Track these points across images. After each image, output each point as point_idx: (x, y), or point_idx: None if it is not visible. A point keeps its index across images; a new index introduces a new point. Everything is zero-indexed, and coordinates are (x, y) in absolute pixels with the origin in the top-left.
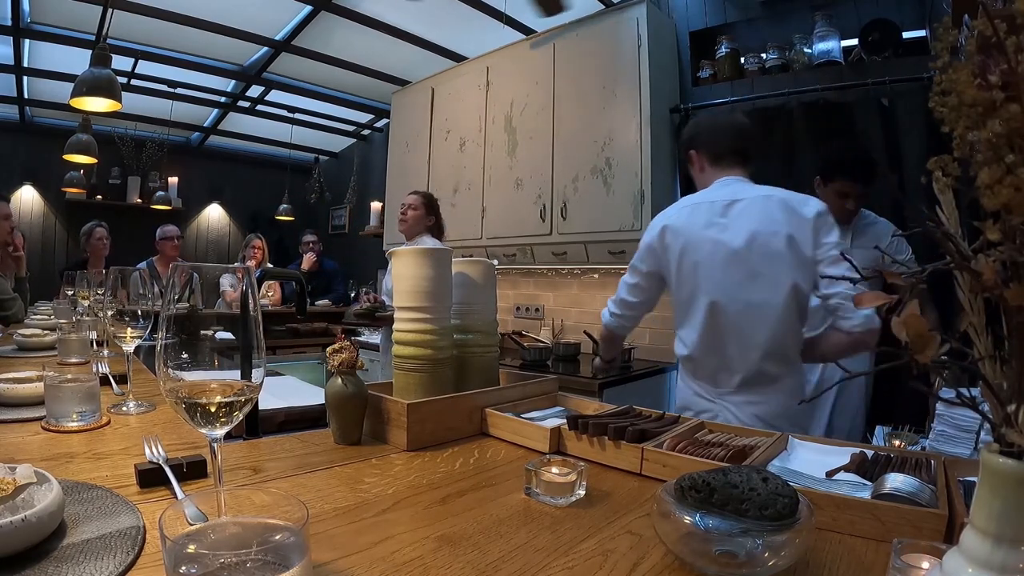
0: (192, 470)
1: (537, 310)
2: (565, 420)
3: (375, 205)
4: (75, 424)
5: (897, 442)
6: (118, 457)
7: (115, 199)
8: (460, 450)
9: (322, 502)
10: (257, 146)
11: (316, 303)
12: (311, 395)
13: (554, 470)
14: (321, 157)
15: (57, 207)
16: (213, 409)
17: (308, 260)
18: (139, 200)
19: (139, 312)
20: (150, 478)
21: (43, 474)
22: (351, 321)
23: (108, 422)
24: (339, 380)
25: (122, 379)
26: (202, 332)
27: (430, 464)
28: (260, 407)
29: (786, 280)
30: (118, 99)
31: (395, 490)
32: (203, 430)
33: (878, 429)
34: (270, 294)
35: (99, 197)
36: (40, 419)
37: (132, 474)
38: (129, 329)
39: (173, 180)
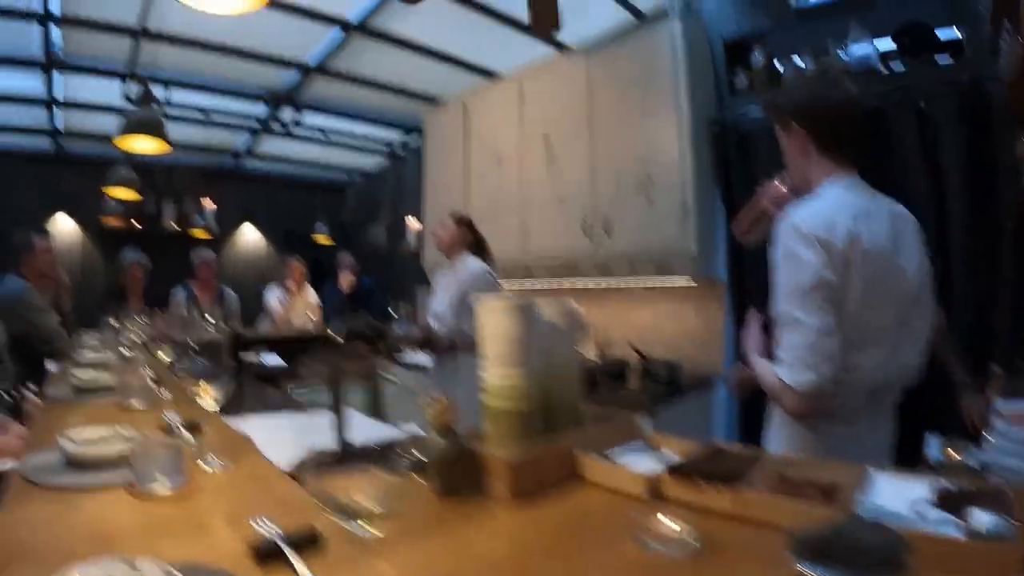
0: (306, 542)
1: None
2: (648, 458)
3: (412, 223)
4: (164, 489)
5: (953, 453)
6: (222, 529)
7: (150, 226)
8: (559, 498)
9: (436, 562)
10: (289, 167)
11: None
12: (368, 426)
13: (664, 518)
14: (353, 176)
15: (93, 235)
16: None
17: (347, 280)
18: (174, 226)
19: (215, 365)
20: (267, 555)
21: (170, 571)
22: (397, 342)
23: (195, 484)
24: (437, 435)
25: (193, 428)
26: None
27: (535, 515)
28: (324, 446)
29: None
30: (165, 139)
31: (508, 546)
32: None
33: (930, 439)
34: (312, 316)
35: (135, 224)
36: (123, 483)
37: (244, 549)
38: (207, 386)
39: (208, 205)
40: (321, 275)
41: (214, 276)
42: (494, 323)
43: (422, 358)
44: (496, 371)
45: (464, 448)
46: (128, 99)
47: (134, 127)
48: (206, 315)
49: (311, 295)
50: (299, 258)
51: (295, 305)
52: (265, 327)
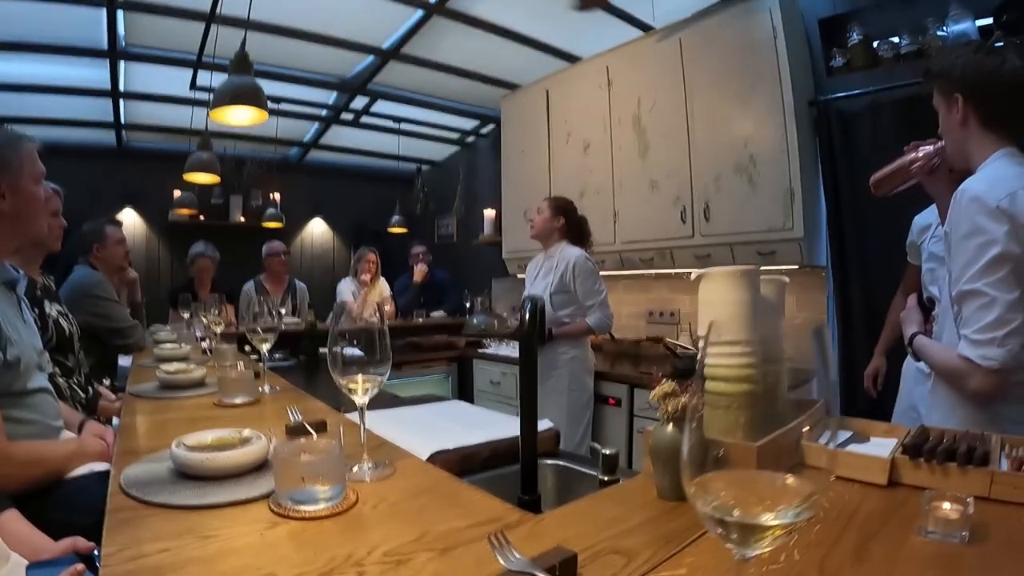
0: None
1: (672, 315)
2: (863, 445)
3: (488, 213)
4: (322, 507)
5: None
6: (428, 561)
7: (218, 219)
8: None
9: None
10: (357, 158)
11: (431, 315)
12: (495, 421)
13: (945, 505)
14: (424, 167)
15: (160, 230)
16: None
17: (420, 272)
18: (242, 219)
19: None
20: None
21: None
22: (473, 332)
23: (357, 498)
24: (671, 428)
25: (319, 427)
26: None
27: None
28: (461, 444)
29: None
30: (264, 107)
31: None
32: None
33: None
34: (386, 308)
35: (202, 218)
36: (262, 498)
37: None
38: (361, 377)
39: (277, 197)
40: (389, 267)
41: (284, 268)
42: (723, 295)
43: (505, 349)
44: (723, 349)
45: (702, 438)
46: (195, 91)
47: (230, 95)
48: (273, 308)
49: (385, 287)
50: (374, 250)
51: (369, 297)
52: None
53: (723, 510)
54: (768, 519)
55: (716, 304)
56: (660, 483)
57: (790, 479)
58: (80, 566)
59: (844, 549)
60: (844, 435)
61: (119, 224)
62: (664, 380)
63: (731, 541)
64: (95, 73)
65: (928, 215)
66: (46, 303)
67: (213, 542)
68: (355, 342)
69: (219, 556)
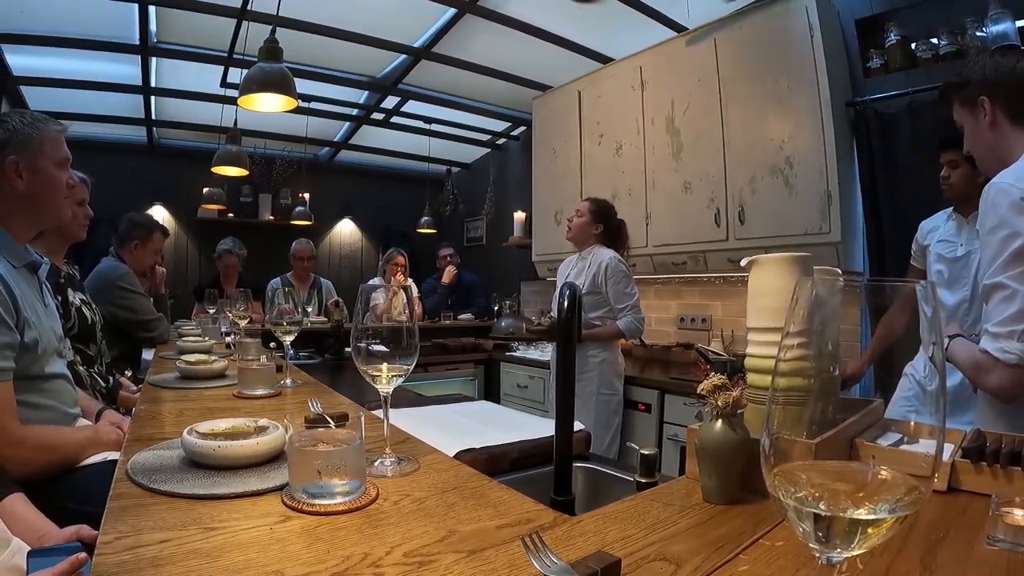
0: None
1: (704, 320)
2: (913, 447)
3: (518, 215)
4: (340, 501)
5: None
6: (455, 565)
7: (247, 217)
8: None
9: None
10: (386, 159)
11: (458, 317)
12: (523, 422)
13: (1016, 512)
14: (453, 168)
15: (188, 226)
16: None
17: (448, 273)
18: (271, 217)
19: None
20: None
21: None
22: (501, 335)
23: (377, 494)
24: (720, 424)
25: (340, 419)
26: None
27: None
28: (488, 443)
29: None
30: (293, 95)
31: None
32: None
33: None
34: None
35: (231, 215)
36: (275, 490)
37: None
38: (386, 365)
39: (306, 196)
40: (416, 269)
41: (310, 269)
42: (769, 278)
43: (533, 352)
44: (771, 338)
45: (750, 439)
46: (226, 87)
47: (258, 82)
48: (299, 303)
49: (412, 288)
50: (403, 252)
51: (394, 300)
52: (368, 319)
53: (810, 503)
54: (861, 514)
55: (769, 293)
56: (706, 485)
57: (884, 471)
58: (83, 554)
59: (910, 558)
60: (894, 436)
61: (166, 235)
62: (713, 373)
63: (817, 540)
64: (127, 69)
65: (936, 218)
66: (69, 291)
67: (218, 535)
68: (380, 338)
69: (223, 550)
